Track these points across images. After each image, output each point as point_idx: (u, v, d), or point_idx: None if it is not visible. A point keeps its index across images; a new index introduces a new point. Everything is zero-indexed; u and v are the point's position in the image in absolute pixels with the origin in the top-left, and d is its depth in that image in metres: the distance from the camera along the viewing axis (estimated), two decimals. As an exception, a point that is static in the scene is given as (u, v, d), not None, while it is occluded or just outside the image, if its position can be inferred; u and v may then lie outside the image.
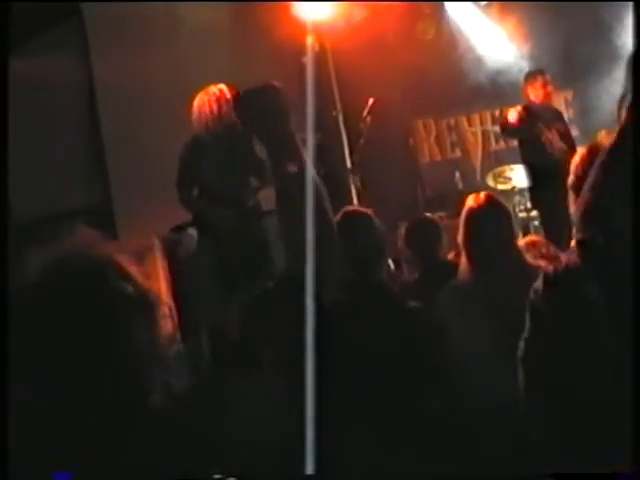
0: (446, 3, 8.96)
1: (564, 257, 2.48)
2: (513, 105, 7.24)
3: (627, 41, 7.21)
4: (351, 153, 8.26)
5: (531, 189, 7.40)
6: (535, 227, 7.62)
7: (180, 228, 5.64)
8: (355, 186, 7.19)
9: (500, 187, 7.99)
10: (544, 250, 3.74)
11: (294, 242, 2.23)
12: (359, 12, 7.81)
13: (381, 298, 3.10)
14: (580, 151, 2.54)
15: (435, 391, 2.87)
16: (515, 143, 7.62)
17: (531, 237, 4.53)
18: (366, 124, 6.99)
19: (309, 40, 6.14)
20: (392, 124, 8.66)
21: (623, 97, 6.94)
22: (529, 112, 7.08)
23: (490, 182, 8.13)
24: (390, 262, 5.36)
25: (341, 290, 3.14)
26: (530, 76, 7.31)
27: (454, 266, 3.54)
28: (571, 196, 2.38)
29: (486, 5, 8.88)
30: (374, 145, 7.19)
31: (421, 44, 8.73)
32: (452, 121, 9.54)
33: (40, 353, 1.43)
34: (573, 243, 2.14)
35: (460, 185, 8.64)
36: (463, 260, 3.34)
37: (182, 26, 7.59)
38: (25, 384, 1.44)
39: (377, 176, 8.09)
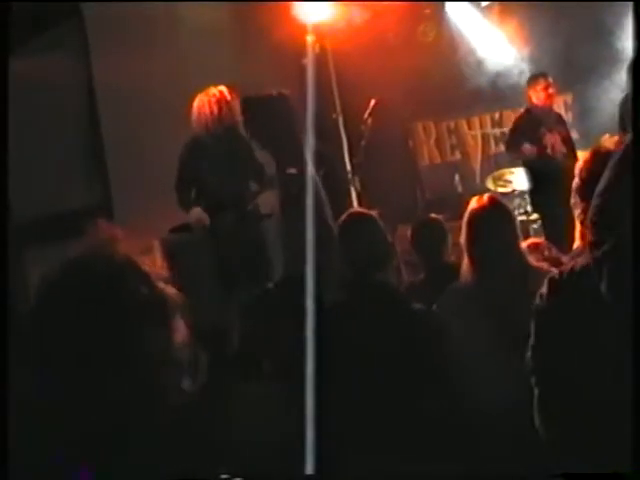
0: (447, 5, 8.95)
1: (566, 260, 2.47)
2: (513, 108, 7.24)
3: (627, 44, 7.22)
4: (351, 154, 8.24)
5: (532, 192, 7.39)
6: (535, 230, 7.61)
7: (180, 229, 5.63)
8: (355, 188, 7.17)
9: (500, 190, 7.97)
10: (546, 253, 3.75)
11: (295, 243, 2.24)
12: (360, 13, 7.80)
13: (385, 299, 3.10)
14: (584, 155, 2.54)
15: (435, 391, 2.87)
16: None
17: (533, 240, 4.53)
18: (367, 126, 6.97)
19: (309, 41, 6.14)
20: (392, 126, 8.64)
21: (623, 100, 6.95)
22: (531, 115, 7.08)
23: (490, 185, 8.11)
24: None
25: (341, 291, 3.15)
26: (532, 79, 7.30)
27: (459, 268, 3.54)
28: (575, 199, 2.38)
29: (486, 7, 8.87)
30: (374, 147, 7.17)
31: (421, 46, 8.72)
32: (452, 124, 9.53)
33: (54, 351, 1.43)
34: (576, 246, 2.13)
35: (460, 188, 8.63)
36: (465, 262, 3.34)
37: (182, 26, 7.58)
38: (33, 383, 1.43)
39: (377, 178, 8.07)
